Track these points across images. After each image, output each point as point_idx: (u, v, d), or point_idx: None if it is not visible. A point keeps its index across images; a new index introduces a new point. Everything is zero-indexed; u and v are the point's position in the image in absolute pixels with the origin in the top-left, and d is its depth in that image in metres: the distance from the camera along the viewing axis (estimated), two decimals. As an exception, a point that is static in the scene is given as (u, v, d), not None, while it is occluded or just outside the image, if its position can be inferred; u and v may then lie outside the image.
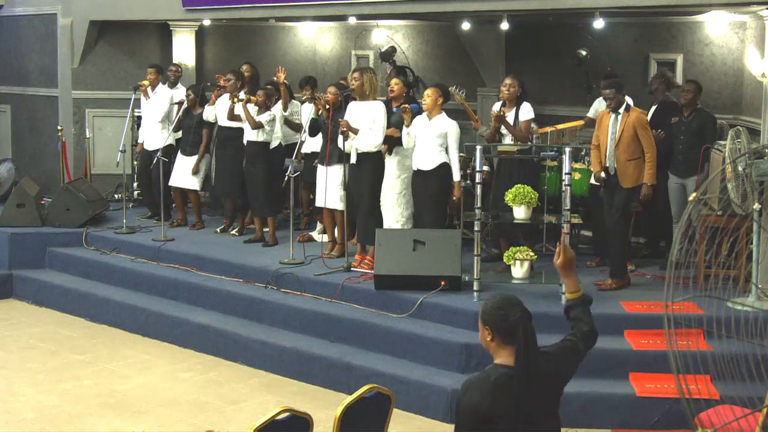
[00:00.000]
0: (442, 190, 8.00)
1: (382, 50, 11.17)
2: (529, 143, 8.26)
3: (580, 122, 9.24)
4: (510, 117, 8.17)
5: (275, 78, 9.73)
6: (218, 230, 10.03)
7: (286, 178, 8.66)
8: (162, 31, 12.28)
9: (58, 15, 12.10)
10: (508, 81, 8.24)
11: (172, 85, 10.79)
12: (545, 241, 8.83)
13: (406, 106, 7.99)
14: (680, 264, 5.71)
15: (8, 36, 12.97)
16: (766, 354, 5.85)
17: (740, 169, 6.86)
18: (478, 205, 7.39)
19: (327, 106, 8.47)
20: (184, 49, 12.16)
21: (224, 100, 9.78)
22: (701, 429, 5.55)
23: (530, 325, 3.35)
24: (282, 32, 12.91)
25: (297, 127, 9.69)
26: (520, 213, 7.67)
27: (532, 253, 7.67)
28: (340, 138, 8.18)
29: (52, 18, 12.22)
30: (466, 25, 10.63)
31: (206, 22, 11.89)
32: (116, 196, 11.61)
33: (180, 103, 10.14)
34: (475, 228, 7.46)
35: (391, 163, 8.21)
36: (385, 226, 8.18)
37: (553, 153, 7.94)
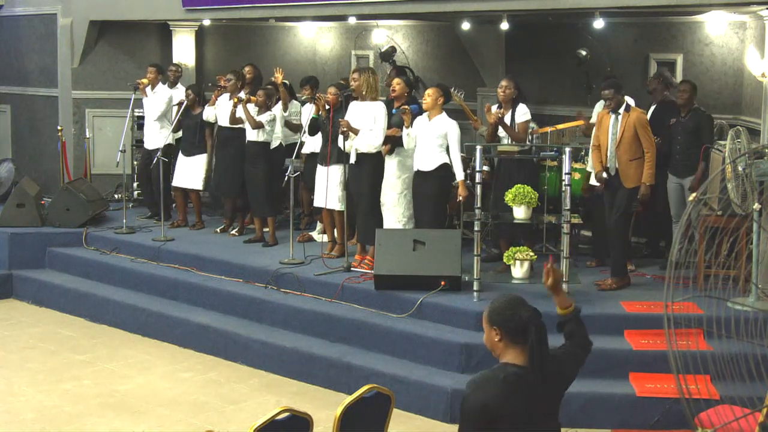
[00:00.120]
0: (441, 190, 8.00)
1: (382, 50, 11.17)
2: (528, 143, 8.26)
3: (580, 122, 9.24)
4: (506, 119, 8.17)
5: (273, 78, 9.73)
6: (218, 230, 10.04)
7: (286, 178, 8.67)
8: (162, 31, 12.28)
9: (58, 15, 12.10)
10: (504, 83, 8.26)
11: (172, 85, 10.80)
12: (545, 241, 8.84)
13: (406, 107, 7.99)
14: (680, 264, 5.71)
15: (8, 36, 12.98)
16: (766, 354, 5.85)
17: (740, 169, 6.86)
18: (478, 205, 7.39)
19: (327, 107, 8.47)
20: (184, 49, 12.16)
21: (224, 101, 9.78)
22: (701, 429, 5.55)
23: (542, 323, 3.36)
24: (282, 32, 12.91)
25: (296, 128, 9.68)
26: (520, 213, 7.67)
27: (532, 253, 7.67)
28: (340, 138, 8.18)
29: (52, 18, 12.22)
30: (466, 25, 10.62)
31: (206, 22, 11.90)
32: (116, 196, 11.61)
33: (180, 104, 10.14)
34: (475, 228, 7.46)
35: (391, 163, 8.21)
36: (386, 226, 8.18)
37: (553, 153, 7.94)
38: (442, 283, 7.58)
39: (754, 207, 6.86)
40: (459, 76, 11.28)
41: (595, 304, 7.38)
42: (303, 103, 9.66)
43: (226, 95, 9.75)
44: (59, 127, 11.55)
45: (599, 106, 9.04)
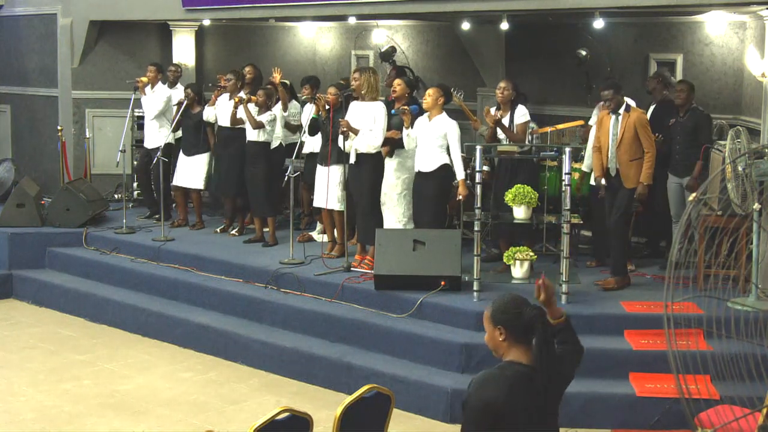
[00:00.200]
0: (441, 191, 7.99)
1: (382, 50, 11.17)
2: (528, 143, 8.26)
3: (580, 122, 9.24)
4: (505, 120, 8.17)
5: (271, 78, 9.73)
6: (218, 230, 10.04)
7: (286, 178, 8.67)
8: (162, 31, 12.28)
9: (58, 15, 12.10)
10: (502, 84, 8.27)
11: (172, 85, 10.80)
12: (545, 241, 8.84)
13: (405, 107, 7.98)
14: (680, 264, 5.71)
15: (8, 36, 12.97)
16: (766, 354, 5.85)
17: (740, 169, 6.86)
18: (478, 205, 7.39)
19: (327, 107, 8.47)
20: (184, 49, 12.16)
21: (224, 101, 9.78)
22: (701, 429, 5.55)
23: (547, 320, 3.36)
24: (282, 32, 12.91)
25: (294, 129, 9.69)
26: (520, 213, 7.68)
27: (532, 253, 7.68)
28: (340, 138, 8.18)
29: (52, 18, 12.22)
30: (466, 25, 10.62)
31: (206, 22, 11.89)
32: (116, 196, 11.61)
33: (180, 104, 10.14)
34: (475, 228, 7.46)
35: (391, 163, 8.21)
36: (386, 226, 8.18)
37: (553, 153, 7.94)
38: (442, 283, 7.58)
39: (754, 207, 6.86)
40: (459, 76, 11.28)
41: (595, 304, 7.38)
42: (303, 103, 9.66)
43: (226, 95, 9.76)
44: (59, 127, 11.55)
45: (599, 108, 9.04)
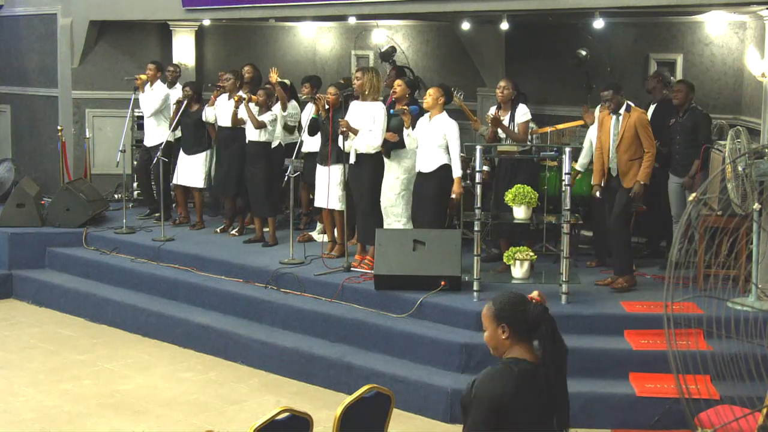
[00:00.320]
0: (441, 191, 7.97)
1: (382, 50, 11.17)
2: (528, 143, 8.26)
3: (580, 122, 9.24)
4: (506, 119, 8.17)
5: (269, 77, 9.72)
6: (218, 230, 10.04)
7: (285, 178, 8.67)
8: (162, 31, 12.28)
9: (58, 15, 12.10)
10: (502, 83, 8.26)
11: (170, 85, 10.80)
12: (545, 241, 8.84)
13: (405, 108, 7.98)
14: (680, 264, 5.71)
15: (8, 36, 12.97)
16: (766, 354, 5.85)
17: (740, 169, 6.86)
18: (478, 205, 7.39)
19: (327, 107, 8.47)
20: (184, 49, 12.16)
21: (223, 101, 9.78)
22: (701, 429, 5.56)
23: (551, 317, 3.36)
24: (282, 32, 12.91)
25: (291, 129, 9.69)
26: (520, 213, 7.68)
27: (532, 253, 7.67)
28: (340, 138, 8.18)
29: (52, 18, 12.22)
30: (466, 25, 10.62)
31: (206, 22, 11.89)
32: (116, 196, 11.62)
33: (179, 102, 10.13)
34: (475, 228, 7.46)
35: (390, 163, 8.21)
36: (385, 226, 8.18)
37: (553, 153, 7.94)
38: (442, 283, 7.58)
39: (754, 207, 6.86)
40: (459, 76, 11.28)
41: (595, 304, 7.38)
42: (304, 103, 9.65)
43: (225, 95, 9.76)
44: (59, 127, 11.55)
45: (599, 109, 9.05)
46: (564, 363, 3.47)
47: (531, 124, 8.52)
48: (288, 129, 9.72)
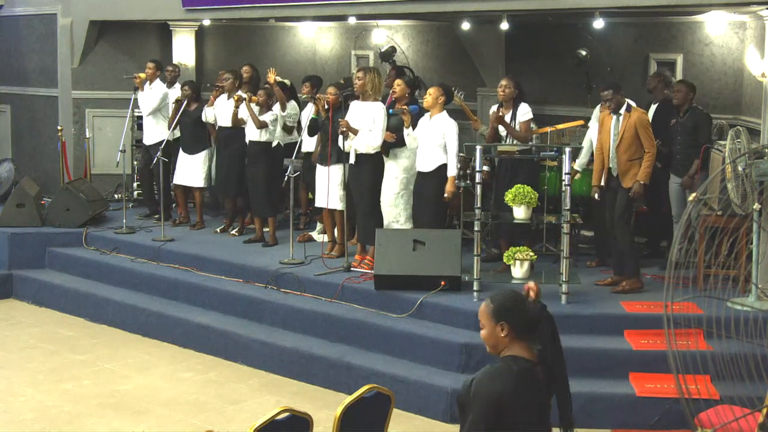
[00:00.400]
0: (441, 191, 7.95)
1: (382, 50, 11.17)
2: (529, 143, 8.26)
3: (580, 122, 9.25)
4: (507, 118, 8.17)
5: (267, 78, 9.72)
6: (218, 230, 10.04)
7: (285, 178, 8.67)
8: (162, 31, 12.28)
9: (58, 15, 12.10)
10: (503, 82, 8.25)
11: (170, 85, 10.80)
12: (545, 241, 8.84)
13: (405, 107, 7.98)
14: (680, 264, 5.71)
15: (8, 36, 12.97)
16: (766, 354, 5.85)
17: (740, 169, 6.86)
18: (478, 205, 7.39)
19: (326, 107, 8.47)
20: (184, 49, 12.16)
21: (223, 101, 9.78)
22: (701, 429, 5.55)
23: (551, 315, 3.36)
24: (282, 32, 12.91)
25: (290, 130, 9.69)
26: (520, 213, 7.67)
27: (532, 253, 7.67)
28: (340, 138, 8.18)
29: (52, 18, 12.22)
30: (466, 25, 10.62)
31: (206, 22, 11.89)
32: (116, 196, 11.62)
33: (178, 102, 10.13)
34: (475, 228, 7.46)
35: (390, 163, 8.21)
36: (384, 226, 8.18)
37: (553, 153, 7.93)
38: (442, 283, 7.58)
39: (754, 207, 6.86)
40: (459, 76, 11.28)
41: (595, 304, 7.38)
42: (304, 103, 9.65)
43: (225, 95, 9.75)
44: (59, 127, 11.55)
45: (598, 109, 9.05)
46: (563, 362, 3.48)
47: (531, 124, 8.52)
48: (287, 129, 9.72)
